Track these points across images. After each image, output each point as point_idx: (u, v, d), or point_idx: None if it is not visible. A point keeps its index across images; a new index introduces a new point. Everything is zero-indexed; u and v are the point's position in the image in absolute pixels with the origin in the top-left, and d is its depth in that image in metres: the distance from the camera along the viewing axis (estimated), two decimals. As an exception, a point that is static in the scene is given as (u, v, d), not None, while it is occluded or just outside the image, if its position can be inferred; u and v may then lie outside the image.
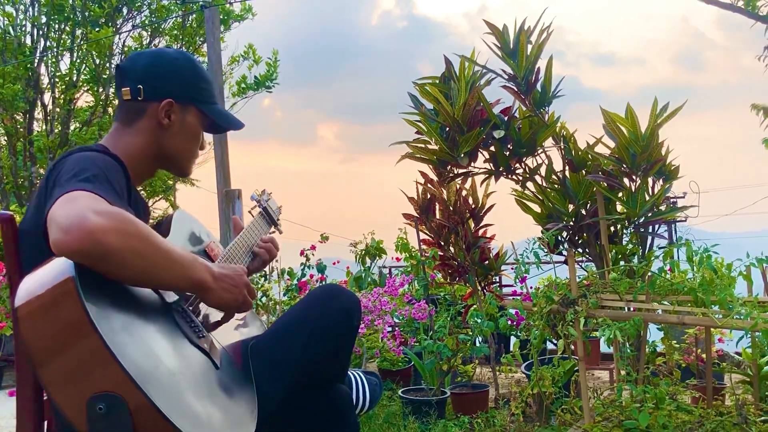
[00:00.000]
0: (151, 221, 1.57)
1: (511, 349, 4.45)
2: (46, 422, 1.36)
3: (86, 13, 10.92)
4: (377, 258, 5.74)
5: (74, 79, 10.99)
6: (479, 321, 3.37)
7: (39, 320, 1.02)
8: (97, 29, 10.52)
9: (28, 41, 10.88)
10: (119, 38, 11.36)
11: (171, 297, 1.27)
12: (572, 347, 3.08)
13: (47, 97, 11.14)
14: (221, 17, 10.69)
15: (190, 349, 1.21)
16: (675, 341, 3.50)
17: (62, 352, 1.01)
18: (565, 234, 3.29)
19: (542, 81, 3.14)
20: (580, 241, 3.27)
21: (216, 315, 1.40)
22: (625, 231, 3.20)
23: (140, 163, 1.45)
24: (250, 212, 1.80)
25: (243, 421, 1.22)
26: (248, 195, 1.84)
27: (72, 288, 1.01)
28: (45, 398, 1.33)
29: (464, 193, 3.71)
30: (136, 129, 1.46)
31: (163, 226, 1.49)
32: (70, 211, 1.06)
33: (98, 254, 1.04)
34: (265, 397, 1.36)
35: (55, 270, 1.05)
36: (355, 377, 1.71)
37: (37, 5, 10.76)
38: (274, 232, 1.86)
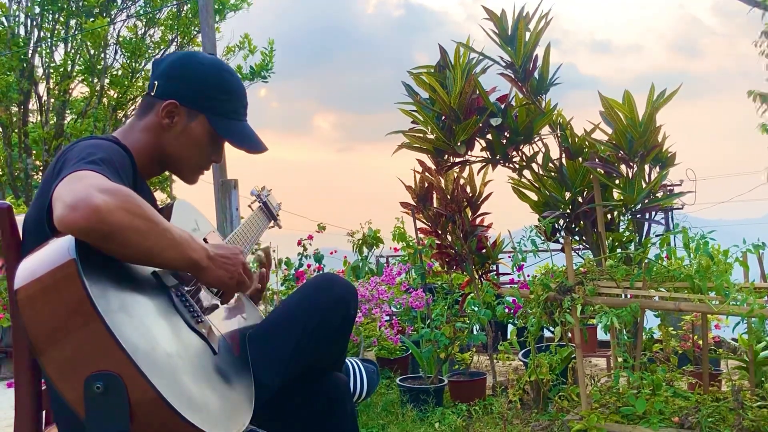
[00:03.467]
0: None
1: (509, 336, 4.47)
2: (44, 413, 1.37)
3: (80, 3, 10.85)
4: (374, 247, 5.74)
5: (69, 69, 10.94)
6: (476, 309, 3.38)
7: (39, 302, 1.02)
8: (91, 19, 10.46)
9: (22, 32, 10.82)
10: (114, 28, 11.29)
11: (170, 281, 1.27)
12: (569, 334, 3.09)
13: (42, 88, 11.09)
14: (216, 7, 10.63)
15: (187, 333, 1.21)
16: (672, 328, 3.52)
17: (63, 333, 1.01)
18: (561, 222, 3.29)
19: (540, 68, 3.13)
20: (576, 229, 3.27)
21: (215, 299, 1.41)
22: (621, 218, 3.21)
23: (143, 158, 1.44)
24: (249, 206, 1.81)
25: (240, 407, 1.23)
26: (244, 185, 1.85)
27: (73, 270, 1.01)
28: (43, 388, 1.33)
29: (462, 181, 3.71)
30: (143, 124, 1.46)
31: (164, 213, 1.49)
32: (76, 188, 1.06)
33: (103, 232, 1.04)
34: (261, 386, 1.36)
35: (55, 251, 1.05)
36: (352, 365, 1.72)
37: (30, -5, 10.69)
38: (273, 226, 1.87)
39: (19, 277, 1.04)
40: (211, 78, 1.47)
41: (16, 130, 10.77)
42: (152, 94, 1.45)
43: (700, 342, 3.05)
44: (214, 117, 1.47)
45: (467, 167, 3.61)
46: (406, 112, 3.35)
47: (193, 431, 1.02)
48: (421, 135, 3.35)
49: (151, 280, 1.21)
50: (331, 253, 5.39)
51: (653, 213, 3.11)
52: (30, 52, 10.69)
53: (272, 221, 1.86)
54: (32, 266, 1.04)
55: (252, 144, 1.52)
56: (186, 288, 1.32)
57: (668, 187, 3.17)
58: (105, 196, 1.05)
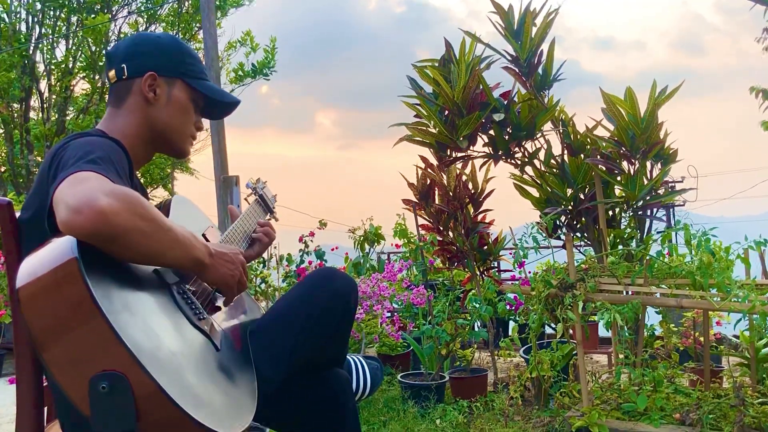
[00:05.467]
0: None
1: (510, 333, 4.47)
2: (45, 409, 1.37)
3: (81, 0, 10.85)
4: (376, 244, 5.74)
5: (70, 66, 10.94)
6: (478, 306, 3.38)
7: (41, 301, 1.01)
8: (92, 16, 10.47)
9: (23, 28, 10.81)
10: (115, 25, 11.30)
11: (171, 278, 1.27)
12: (570, 331, 3.09)
13: (43, 85, 11.10)
14: (217, 3, 10.62)
15: (190, 331, 1.21)
16: (673, 324, 3.52)
17: (65, 333, 1.00)
18: (563, 218, 3.29)
19: (544, 64, 3.13)
20: (578, 226, 3.27)
21: (218, 300, 1.41)
22: (623, 215, 3.21)
23: (135, 144, 1.44)
24: (246, 200, 1.81)
25: (243, 403, 1.23)
26: (245, 182, 1.84)
27: (75, 269, 1.00)
28: (45, 385, 1.33)
29: (464, 178, 3.71)
30: (125, 109, 1.46)
31: (162, 210, 1.49)
32: (80, 191, 1.05)
33: (109, 235, 1.04)
34: (263, 381, 1.37)
35: (56, 250, 1.04)
36: (355, 362, 1.72)
37: (31, -9, 10.67)
38: (270, 219, 1.87)
39: (20, 276, 1.03)
40: (173, 46, 1.51)
41: (18, 127, 10.78)
42: (124, 77, 1.46)
43: (702, 339, 3.05)
44: (191, 80, 1.51)
45: (469, 163, 3.61)
46: (409, 105, 3.35)
47: (199, 429, 1.02)
48: (424, 129, 3.35)
49: (152, 278, 1.21)
50: (333, 249, 5.39)
51: (655, 210, 3.10)
52: (31, 48, 10.69)
53: (269, 213, 1.86)
54: (33, 265, 1.04)
55: (230, 98, 1.59)
56: (187, 285, 1.32)
57: (670, 184, 3.16)
58: (109, 199, 1.04)
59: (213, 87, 1.57)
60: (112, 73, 1.47)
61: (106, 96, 10.97)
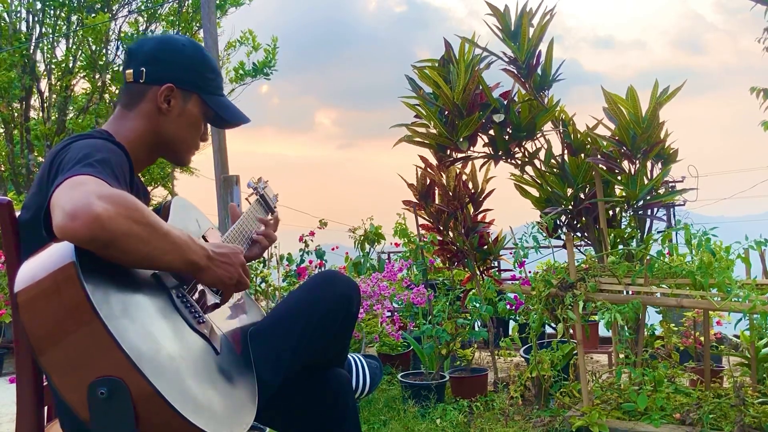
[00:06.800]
0: (150, 208, 1.56)
1: (510, 333, 4.47)
2: (46, 408, 1.37)
3: (81, -1, 10.85)
4: (376, 243, 5.74)
5: (70, 65, 10.93)
6: (478, 305, 3.38)
7: (39, 306, 1.01)
8: (92, 15, 10.46)
9: (24, 28, 10.80)
10: (115, 24, 11.28)
11: (170, 282, 1.27)
12: (571, 331, 3.09)
13: (43, 84, 11.08)
14: (217, 2, 10.62)
15: (190, 334, 1.21)
16: (673, 324, 3.52)
17: (63, 338, 1.00)
18: (563, 218, 3.29)
19: (543, 64, 3.13)
20: (578, 225, 3.27)
21: (215, 298, 1.40)
22: (623, 214, 3.21)
23: (139, 148, 1.44)
24: (247, 199, 1.80)
25: (243, 406, 1.23)
26: (246, 181, 1.83)
27: (73, 273, 1.00)
28: (45, 384, 1.33)
29: (464, 177, 3.71)
30: (136, 113, 1.45)
31: (162, 212, 1.48)
32: (76, 195, 1.05)
33: (104, 240, 1.03)
34: (264, 383, 1.36)
35: (55, 255, 1.04)
36: (355, 361, 1.72)
37: (31, -9, 10.67)
38: (271, 219, 1.86)
39: (19, 280, 1.03)
40: (197, 58, 1.49)
41: (18, 126, 10.78)
42: (142, 81, 1.44)
43: (702, 338, 3.05)
44: (207, 96, 1.50)
45: (469, 163, 3.61)
46: (409, 105, 3.35)
47: None
48: (424, 130, 3.35)
49: (151, 282, 1.21)
50: (333, 249, 5.39)
51: (655, 209, 3.10)
52: (31, 48, 10.68)
53: (270, 214, 1.85)
54: (32, 269, 1.04)
55: (240, 117, 1.58)
56: (186, 288, 1.31)
57: (670, 184, 3.16)
58: (105, 204, 1.03)
59: (226, 104, 1.55)
60: (129, 72, 1.45)
61: (106, 96, 11.00)
